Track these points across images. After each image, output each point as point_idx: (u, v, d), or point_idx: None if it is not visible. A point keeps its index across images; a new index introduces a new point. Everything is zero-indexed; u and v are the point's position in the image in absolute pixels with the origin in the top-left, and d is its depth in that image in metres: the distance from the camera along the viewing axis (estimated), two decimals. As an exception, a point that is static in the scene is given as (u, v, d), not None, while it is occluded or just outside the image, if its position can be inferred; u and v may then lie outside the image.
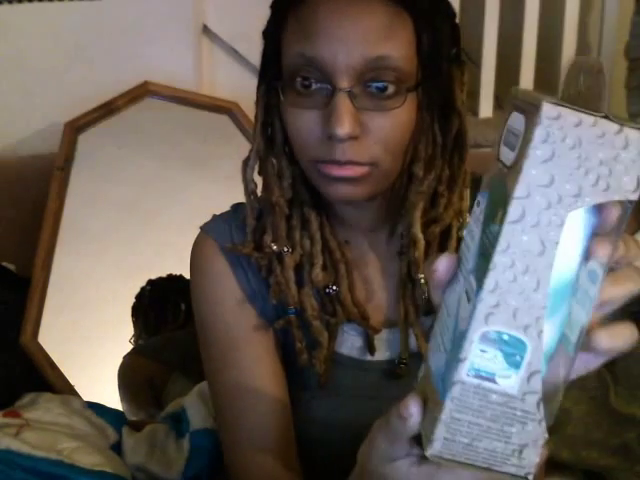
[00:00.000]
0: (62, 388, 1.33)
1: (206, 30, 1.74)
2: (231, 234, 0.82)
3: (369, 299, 0.82)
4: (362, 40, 0.68)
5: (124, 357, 1.44)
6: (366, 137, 0.70)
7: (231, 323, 0.81)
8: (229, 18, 1.75)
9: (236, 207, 0.86)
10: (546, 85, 1.86)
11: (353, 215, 0.81)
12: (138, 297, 1.51)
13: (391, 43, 0.69)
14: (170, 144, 1.60)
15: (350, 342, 0.81)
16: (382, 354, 0.82)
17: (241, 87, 1.75)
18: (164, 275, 1.53)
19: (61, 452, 0.97)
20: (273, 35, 0.73)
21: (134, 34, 1.66)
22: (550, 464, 0.69)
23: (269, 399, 0.80)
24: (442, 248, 0.79)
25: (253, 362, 0.80)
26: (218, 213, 0.86)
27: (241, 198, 0.89)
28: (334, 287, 0.79)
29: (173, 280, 1.52)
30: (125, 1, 1.65)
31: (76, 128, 1.53)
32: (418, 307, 0.80)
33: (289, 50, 0.71)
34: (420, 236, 0.77)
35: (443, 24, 0.73)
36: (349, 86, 0.68)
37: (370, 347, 0.81)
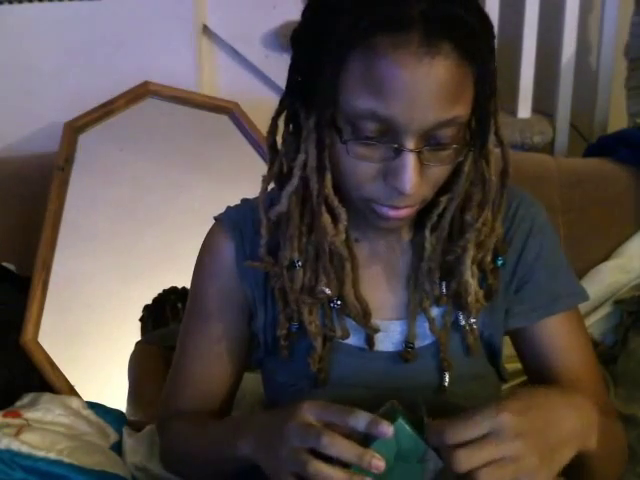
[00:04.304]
0: (62, 388, 1.33)
1: (206, 30, 1.74)
2: (243, 229, 0.86)
3: (376, 294, 0.84)
4: (439, 104, 0.67)
5: (136, 345, 1.44)
6: (423, 183, 0.71)
7: (213, 296, 0.88)
8: (229, 18, 1.74)
9: (246, 201, 0.89)
10: (546, 85, 1.86)
11: None
12: (140, 320, 1.52)
13: (461, 103, 0.69)
14: (170, 144, 1.60)
15: (354, 332, 0.83)
16: (387, 345, 0.83)
17: (241, 87, 1.76)
18: (157, 281, 1.54)
19: (61, 452, 0.97)
20: (330, 69, 0.69)
21: (134, 34, 1.66)
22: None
23: (216, 374, 0.90)
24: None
25: (217, 337, 0.89)
26: (223, 210, 0.91)
27: (241, 198, 0.91)
28: (338, 302, 0.80)
29: (167, 292, 1.53)
30: (125, 1, 1.65)
31: (76, 128, 1.52)
32: (430, 297, 0.82)
33: (355, 100, 0.68)
34: (472, 282, 0.80)
35: (494, 60, 0.72)
36: (417, 146, 0.69)
37: (370, 343, 0.82)
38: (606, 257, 1.43)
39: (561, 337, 0.87)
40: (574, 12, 1.79)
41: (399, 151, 0.69)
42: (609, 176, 1.50)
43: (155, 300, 1.52)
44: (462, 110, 0.69)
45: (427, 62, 0.65)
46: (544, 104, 1.88)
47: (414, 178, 0.69)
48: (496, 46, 0.73)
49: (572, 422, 0.70)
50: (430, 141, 0.70)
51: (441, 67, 0.66)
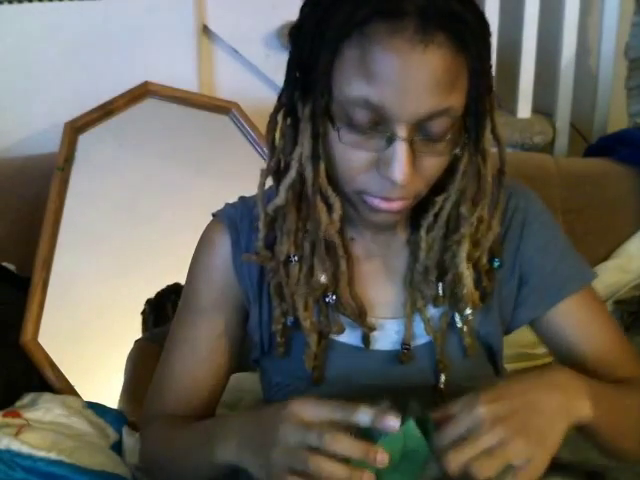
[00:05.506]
0: (62, 388, 1.33)
1: (206, 30, 1.74)
2: (240, 226, 0.86)
3: (372, 293, 0.83)
4: (432, 93, 0.67)
5: (135, 343, 1.44)
6: (416, 175, 0.71)
7: (208, 291, 0.87)
8: (229, 18, 1.75)
9: (243, 199, 0.89)
10: (546, 85, 1.86)
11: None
12: (142, 313, 1.52)
13: (455, 93, 0.69)
14: (170, 144, 1.60)
15: (349, 330, 0.83)
16: (383, 344, 0.83)
17: (241, 87, 1.76)
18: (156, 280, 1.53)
19: (61, 452, 0.97)
20: (325, 58, 0.69)
21: (134, 34, 1.66)
22: (551, 464, 0.69)
23: (204, 372, 0.88)
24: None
25: (210, 334, 0.88)
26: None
27: (238, 196, 0.91)
28: (334, 297, 0.80)
29: (170, 289, 1.53)
30: (125, 1, 1.65)
31: (76, 128, 1.53)
32: (426, 297, 0.82)
33: (348, 88, 0.69)
34: (467, 273, 0.80)
35: (489, 58, 0.73)
36: (410, 135, 0.69)
37: (366, 342, 0.82)
38: (606, 257, 1.43)
39: (578, 319, 0.86)
40: (574, 12, 1.79)
41: (391, 140, 0.69)
42: (609, 176, 1.51)
43: (158, 295, 1.52)
44: (455, 101, 0.69)
45: (420, 50, 0.66)
46: (544, 104, 1.88)
47: (406, 167, 0.69)
48: (496, 46, 0.73)
49: (555, 400, 0.69)
50: (423, 131, 0.70)
51: (434, 56, 0.66)
